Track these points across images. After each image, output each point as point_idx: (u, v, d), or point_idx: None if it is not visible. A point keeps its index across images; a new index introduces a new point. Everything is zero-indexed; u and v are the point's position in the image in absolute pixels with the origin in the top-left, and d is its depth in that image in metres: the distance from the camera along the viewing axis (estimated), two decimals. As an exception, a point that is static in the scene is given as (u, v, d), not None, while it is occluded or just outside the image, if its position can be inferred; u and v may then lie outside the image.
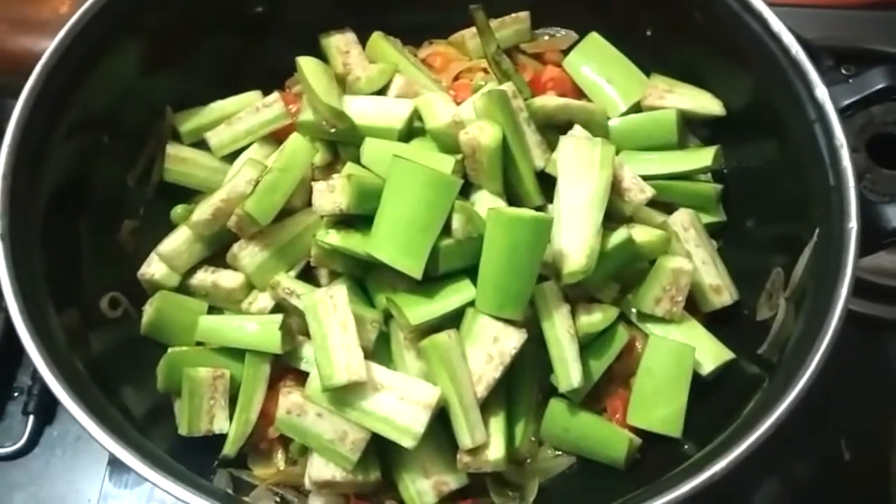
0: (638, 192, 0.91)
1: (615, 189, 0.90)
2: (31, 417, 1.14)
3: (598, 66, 1.05)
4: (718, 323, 0.93)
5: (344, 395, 0.82)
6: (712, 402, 0.89)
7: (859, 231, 0.79)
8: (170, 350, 0.92)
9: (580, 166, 0.87)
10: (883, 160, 1.20)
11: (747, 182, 0.98)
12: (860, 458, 1.08)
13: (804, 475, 1.09)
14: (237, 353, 0.90)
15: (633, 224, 0.93)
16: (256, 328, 0.89)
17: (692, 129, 1.03)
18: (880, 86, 0.95)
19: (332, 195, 0.85)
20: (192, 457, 0.85)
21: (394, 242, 0.83)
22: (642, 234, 0.90)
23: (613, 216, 0.92)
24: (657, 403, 0.88)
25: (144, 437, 0.81)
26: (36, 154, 0.86)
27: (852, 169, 0.81)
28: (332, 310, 0.83)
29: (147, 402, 0.91)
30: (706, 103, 1.00)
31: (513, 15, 1.09)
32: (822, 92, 0.84)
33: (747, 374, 0.88)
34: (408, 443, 0.80)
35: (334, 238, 0.86)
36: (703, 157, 0.98)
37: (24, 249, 0.83)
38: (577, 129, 0.94)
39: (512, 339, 0.82)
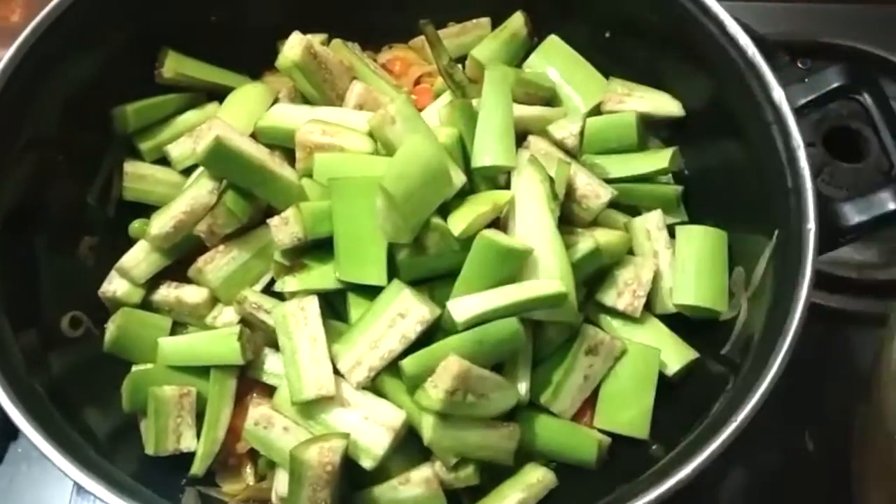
0: (594, 199, 0.91)
1: (571, 198, 0.91)
2: (-6, 435, 1.12)
3: (557, 69, 1.05)
4: (681, 324, 0.94)
5: (311, 410, 0.82)
6: (678, 402, 0.90)
7: (818, 232, 0.80)
8: (134, 369, 0.91)
9: (531, 204, 0.86)
10: (839, 153, 1.22)
11: (708, 183, 0.99)
12: (823, 449, 1.10)
13: (768, 466, 1.10)
14: (202, 370, 0.89)
15: (594, 227, 0.93)
16: (215, 342, 0.89)
17: (654, 130, 1.03)
18: (836, 84, 0.96)
19: (287, 227, 0.85)
20: (160, 476, 0.85)
21: (353, 260, 0.84)
22: (604, 236, 0.91)
23: (575, 222, 0.92)
24: (623, 406, 0.89)
25: (108, 460, 0.81)
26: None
27: (810, 170, 0.82)
28: (302, 323, 0.83)
29: (111, 422, 0.90)
30: (665, 105, 1.00)
31: (473, 21, 1.09)
32: (778, 94, 0.85)
33: (712, 374, 0.89)
34: (368, 463, 0.80)
35: (292, 284, 0.87)
36: (659, 159, 0.98)
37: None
38: (532, 141, 0.94)
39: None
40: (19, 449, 1.13)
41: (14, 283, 0.87)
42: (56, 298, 0.92)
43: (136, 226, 0.99)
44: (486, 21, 1.09)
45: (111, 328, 0.93)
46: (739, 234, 0.93)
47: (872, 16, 1.40)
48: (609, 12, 1.02)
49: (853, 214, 0.88)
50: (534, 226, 0.85)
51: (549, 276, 0.83)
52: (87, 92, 0.96)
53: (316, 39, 1.00)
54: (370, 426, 0.81)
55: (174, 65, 1.00)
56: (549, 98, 1.03)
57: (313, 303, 0.84)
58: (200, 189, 0.90)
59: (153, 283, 0.96)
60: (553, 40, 1.06)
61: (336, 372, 0.82)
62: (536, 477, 0.86)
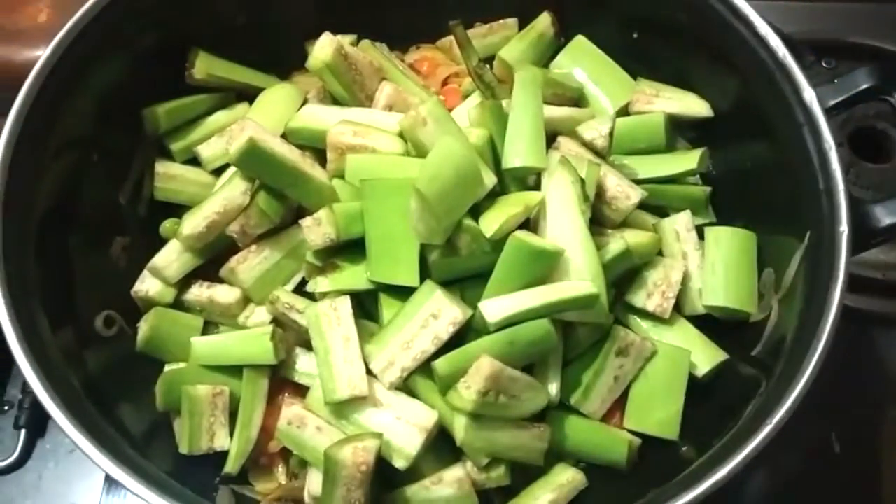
0: (624, 200, 0.92)
1: (601, 199, 0.91)
2: (23, 431, 1.14)
3: (584, 70, 1.05)
4: (710, 326, 0.94)
5: (344, 410, 0.83)
6: (709, 404, 0.90)
7: (850, 234, 0.80)
8: (167, 368, 0.92)
9: (562, 205, 0.86)
10: (865, 153, 1.22)
11: (736, 183, 0.99)
12: (850, 450, 1.10)
13: (794, 467, 1.11)
14: (235, 369, 0.90)
15: (623, 228, 0.94)
16: (248, 342, 0.89)
17: (680, 131, 1.04)
18: (865, 86, 0.96)
19: (319, 228, 0.86)
20: (193, 475, 0.85)
21: (385, 260, 0.85)
22: (633, 237, 0.91)
23: (604, 223, 0.93)
24: (654, 407, 0.90)
25: (143, 456, 0.81)
26: (27, 175, 0.86)
27: (842, 172, 0.82)
28: (335, 323, 0.84)
29: (145, 420, 0.91)
30: (693, 105, 1.00)
31: (500, 21, 1.10)
32: (809, 95, 0.86)
33: (743, 376, 0.89)
34: (400, 463, 0.81)
35: (324, 284, 0.87)
36: (688, 160, 0.98)
37: (19, 270, 0.82)
38: (561, 142, 0.95)
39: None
40: (47, 445, 1.15)
41: (51, 282, 0.87)
42: (90, 298, 0.93)
43: (167, 226, 1.00)
44: (513, 21, 1.10)
45: (144, 328, 0.94)
46: (769, 236, 0.93)
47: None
48: (637, 13, 1.03)
49: (884, 216, 0.88)
50: (565, 227, 0.85)
51: (580, 278, 0.84)
52: (119, 92, 0.96)
53: (346, 40, 1.01)
54: (403, 426, 0.81)
55: (204, 66, 1.01)
56: (577, 99, 1.04)
57: (346, 303, 0.85)
58: (233, 189, 0.90)
59: (185, 282, 0.96)
60: (580, 41, 1.07)
61: (368, 372, 0.83)
62: (566, 477, 0.87)
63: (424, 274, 0.85)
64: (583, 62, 1.06)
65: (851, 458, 1.09)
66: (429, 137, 0.86)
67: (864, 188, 1.19)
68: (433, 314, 0.82)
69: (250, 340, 0.89)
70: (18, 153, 0.84)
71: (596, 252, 0.84)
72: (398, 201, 0.83)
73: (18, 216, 0.84)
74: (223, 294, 0.94)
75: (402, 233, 0.83)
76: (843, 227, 0.81)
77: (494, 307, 0.80)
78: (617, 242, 0.87)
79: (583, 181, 0.86)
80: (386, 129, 0.91)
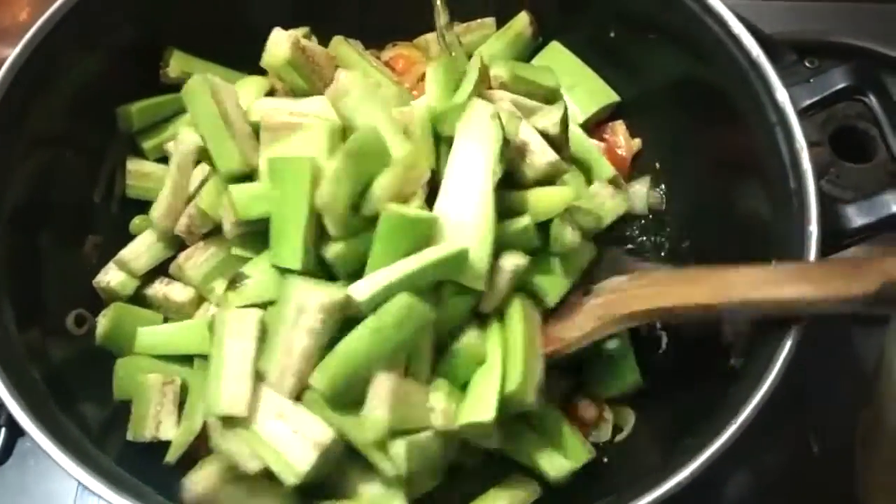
0: (541, 156, 0.87)
1: (519, 153, 0.87)
2: (3, 430, 1.13)
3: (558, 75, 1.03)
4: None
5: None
6: (678, 403, 0.90)
7: (820, 235, 0.80)
8: (123, 357, 0.92)
9: (473, 163, 0.82)
10: (847, 153, 1.21)
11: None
12: (829, 451, 1.10)
13: (773, 468, 1.10)
14: (191, 360, 0.90)
15: (535, 188, 0.88)
16: (190, 332, 0.90)
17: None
18: (841, 85, 0.96)
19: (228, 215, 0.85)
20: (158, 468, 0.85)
21: (279, 242, 0.82)
22: (545, 194, 0.87)
23: (519, 180, 0.89)
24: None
25: (102, 451, 0.80)
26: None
27: (813, 172, 0.82)
28: (237, 335, 0.80)
29: (108, 414, 0.90)
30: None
31: (478, 20, 1.10)
32: (782, 95, 0.85)
33: (714, 374, 0.87)
34: (290, 480, 0.75)
35: (234, 299, 0.84)
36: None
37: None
38: (498, 96, 0.92)
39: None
40: (27, 444, 1.14)
41: (20, 280, 0.87)
42: (62, 296, 0.93)
43: (136, 222, 1.01)
44: (490, 21, 1.10)
45: (103, 322, 0.93)
46: (741, 234, 0.92)
47: (883, 13, 1.39)
48: (613, 11, 1.02)
49: (857, 217, 0.87)
50: (467, 190, 0.81)
51: (465, 241, 0.79)
52: (93, 90, 0.96)
53: (298, 33, 0.98)
54: (298, 441, 0.76)
55: (180, 64, 1.01)
56: (550, 97, 1.02)
57: (253, 317, 0.80)
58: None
59: (149, 277, 0.96)
60: (554, 47, 1.07)
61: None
62: (522, 487, 0.86)
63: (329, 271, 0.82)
64: (556, 68, 1.03)
65: (829, 458, 1.09)
66: (350, 108, 0.84)
67: (844, 188, 1.18)
68: (299, 308, 0.77)
69: (192, 330, 0.89)
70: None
71: (493, 216, 0.80)
72: (297, 179, 0.79)
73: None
74: (177, 292, 0.94)
75: (293, 213, 0.79)
76: (813, 227, 0.80)
77: (362, 286, 0.76)
78: (522, 219, 0.83)
79: (507, 140, 0.82)
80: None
